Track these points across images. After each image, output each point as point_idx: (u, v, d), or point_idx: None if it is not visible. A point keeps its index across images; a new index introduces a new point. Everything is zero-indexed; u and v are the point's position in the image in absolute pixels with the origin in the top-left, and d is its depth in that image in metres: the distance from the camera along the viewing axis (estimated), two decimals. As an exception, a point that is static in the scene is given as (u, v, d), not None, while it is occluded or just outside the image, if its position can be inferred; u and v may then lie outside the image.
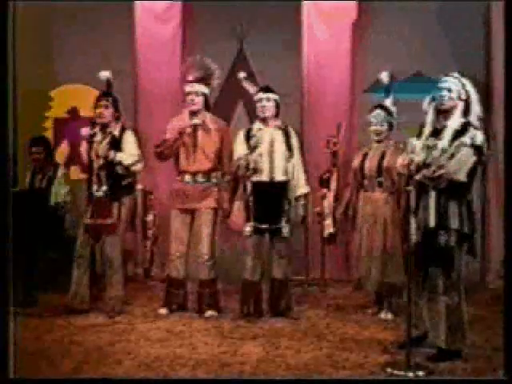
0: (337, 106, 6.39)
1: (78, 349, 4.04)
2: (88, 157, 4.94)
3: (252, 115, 5.26)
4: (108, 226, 4.86)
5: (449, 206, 3.74)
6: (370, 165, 4.92)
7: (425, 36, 6.22)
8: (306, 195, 4.98)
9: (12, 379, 3.21)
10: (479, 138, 3.72)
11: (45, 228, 5.31)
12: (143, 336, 4.34)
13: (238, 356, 3.92)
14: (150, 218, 6.18)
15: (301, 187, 4.89)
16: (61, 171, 5.80)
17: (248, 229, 4.77)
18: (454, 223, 3.73)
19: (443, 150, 3.71)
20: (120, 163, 4.81)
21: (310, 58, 6.45)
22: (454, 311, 3.80)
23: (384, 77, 5.12)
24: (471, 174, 3.74)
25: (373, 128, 4.96)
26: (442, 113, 3.84)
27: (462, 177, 3.69)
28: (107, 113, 4.91)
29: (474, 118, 3.80)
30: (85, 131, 4.94)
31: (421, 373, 3.59)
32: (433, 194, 3.74)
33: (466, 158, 3.70)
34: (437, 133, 3.82)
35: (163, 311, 4.97)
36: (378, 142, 4.97)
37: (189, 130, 4.93)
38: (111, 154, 4.81)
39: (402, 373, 3.59)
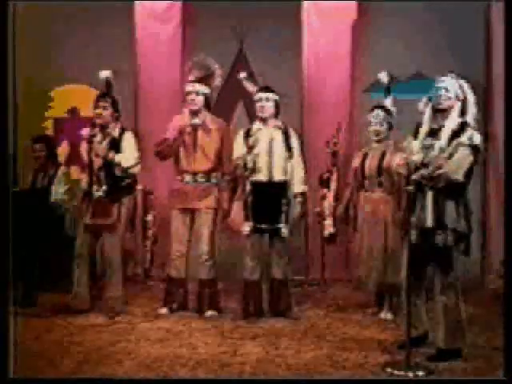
0: (337, 106, 6.39)
1: (77, 349, 4.04)
2: (88, 157, 4.94)
3: (252, 115, 5.26)
4: (108, 226, 4.87)
5: (446, 206, 3.75)
6: (370, 165, 4.92)
7: (425, 36, 6.22)
8: (303, 194, 4.97)
9: (12, 379, 3.21)
10: (477, 138, 3.74)
11: (45, 227, 5.30)
12: (143, 336, 4.34)
13: (237, 356, 3.92)
14: (150, 217, 6.18)
15: (298, 186, 4.89)
16: (62, 170, 5.81)
17: (247, 228, 4.77)
18: (451, 222, 3.74)
19: (441, 150, 3.73)
20: (118, 165, 4.81)
21: (309, 58, 6.45)
22: (451, 311, 3.81)
23: (384, 77, 5.12)
24: (468, 173, 3.75)
25: (373, 128, 4.97)
26: (439, 113, 3.85)
27: (460, 177, 3.70)
28: (106, 113, 4.91)
29: (470, 118, 3.82)
30: (85, 131, 4.94)
31: (421, 373, 3.60)
32: (430, 194, 3.75)
33: (464, 157, 3.71)
34: (434, 133, 3.83)
35: (163, 311, 4.97)
36: (378, 141, 4.97)
37: (189, 129, 4.93)
38: (110, 154, 4.81)
39: (402, 373, 3.60)
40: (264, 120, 4.85)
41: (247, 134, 4.82)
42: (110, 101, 4.94)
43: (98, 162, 4.86)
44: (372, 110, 5.02)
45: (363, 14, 6.38)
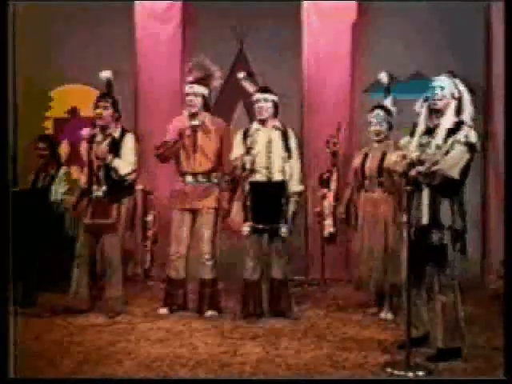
0: (337, 106, 6.40)
1: (77, 349, 4.04)
2: (88, 157, 4.94)
3: (252, 115, 5.25)
4: (108, 226, 4.87)
5: (441, 204, 3.76)
6: (371, 165, 4.93)
7: (425, 36, 6.21)
8: (299, 193, 4.97)
9: (12, 379, 3.21)
10: (473, 136, 3.76)
11: (45, 227, 5.31)
12: (143, 336, 4.34)
13: (237, 356, 3.92)
14: (150, 217, 6.17)
15: (295, 185, 4.88)
16: (63, 170, 5.82)
17: (246, 229, 4.77)
18: (447, 220, 3.75)
19: (437, 147, 3.75)
20: (115, 170, 4.81)
21: (309, 58, 6.45)
22: (450, 310, 3.81)
23: (383, 77, 5.13)
24: (464, 171, 3.76)
25: (373, 128, 4.97)
26: (435, 112, 3.87)
27: (455, 174, 3.71)
28: (107, 114, 4.90)
29: (466, 116, 3.84)
30: (85, 131, 4.94)
31: (421, 373, 3.60)
32: (426, 192, 3.76)
33: (460, 155, 3.74)
34: (430, 131, 3.86)
35: (163, 311, 4.97)
36: (378, 142, 4.97)
37: (188, 131, 4.93)
38: (108, 157, 4.81)
39: (402, 373, 3.59)
40: (262, 120, 4.84)
41: (245, 135, 4.82)
42: (111, 101, 4.94)
43: (97, 162, 4.86)
44: (372, 110, 5.03)
45: (363, 14, 6.38)
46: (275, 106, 4.87)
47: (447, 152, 3.72)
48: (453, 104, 3.84)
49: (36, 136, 5.99)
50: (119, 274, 4.94)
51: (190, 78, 4.97)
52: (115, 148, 4.86)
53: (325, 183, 5.82)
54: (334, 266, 6.27)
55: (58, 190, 5.68)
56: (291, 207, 4.85)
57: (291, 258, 5.07)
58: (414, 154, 3.79)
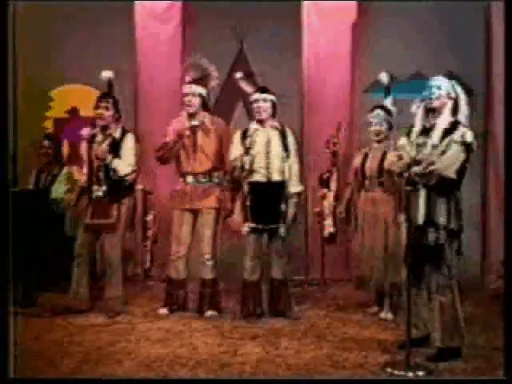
0: (337, 106, 6.39)
1: (77, 349, 4.05)
2: (88, 157, 4.94)
3: (252, 115, 5.25)
4: (108, 226, 4.87)
5: (437, 204, 3.77)
6: (371, 165, 4.93)
7: (425, 36, 6.21)
8: (299, 194, 4.97)
9: (12, 379, 3.21)
10: (469, 135, 3.77)
11: (45, 227, 5.31)
12: (143, 336, 4.34)
13: (237, 356, 3.93)
14: (150, 217, 6.17)
15: (294, 186, 4.88)
16: (65, 170, 5.82)
17: (246, 229, 4.77)
18: (442, 220, 3.76)
19: (433, 147, 3.77)
20: (114, 171, 4.81)
21: (309, 58, 6.45)
22: (448, 309, 3.82)
23: (384, 77, 5.13)
24: (461, 171, 3.77)
25: (373, 128, 4.97)
26: (432, 111, 3.88)
27: (452, 173, 3.73)
28: (107, 114, 4.91)
29: (462, 116, 3.86)
30: (85, 131, 4.94)
31: (421, 373, 3.60)
32: (422, 192, 3.77)
33: (456, 155, 3.75)
34: (426, 131, 3.87)
35: (163, 311, 4.97)
36: (379, 142, 4.98)
37: (187, 132, 4.93)
38: (108, 158, 4.81)
39: (402, 373, 3.60)
40: (261, 121, 4.84)
41: (244, 135, 4.82)
42: (112, 101, 4.94)
43: (97, 163, 4.86)
44: (372, 110, 5.03)
45: (363, 13, 6.37)
46: (274, 106, 4.86)
47: (443, 152, 3.74)
48: (449, 104, 3.86)
49: (37, 136, 6.00)
50: (119, 273, 4.95)
51: (188, 78, 4.97)
52: (115, 148, 4.86)
53: (325, 183, 5.82)
54: (334, 266, 6.27)
55: (59, 190, 5.68)
56: (291, 209, 4.85)
57: (291, 258, 5.08)
58: (410, 154, 3.80)
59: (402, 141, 3.95)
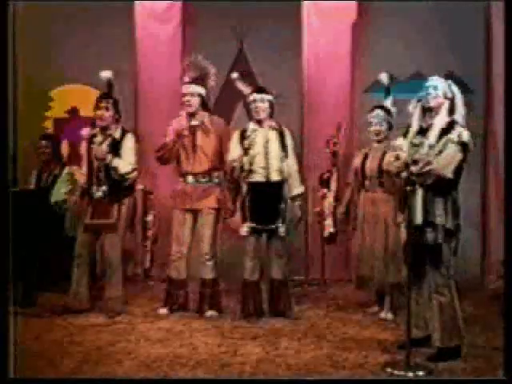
0: (337, 106, 6.39)
1: (77, 349, 4.05)
2: (88, 157, 4.94)
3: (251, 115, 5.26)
4: (108, 226, 4.87)
5: (435, 203, 3.78)
6: (371, 165, 4.92)
7: (425, 36, 6.21)
8: (301, 195, 4.97)
9: (12, 379, 3.21)
10: (465, 135, 3.78)
11: (45, 227, 5.31)
12: (143, 336, 4.34)
13: (238, 356, 3.93)
14: (150, 217, 6.17)
15: (296, 187, 4.89)
16: (66, 170, 5.83)
17: (245, 229, 4.77)
18: (440, 220, 3.76)
19: (430, 147, 3.77)
20: (115, 170, 4.81)
21: (309, 58, 6.44)
22: (447, 309, 3.82)
23: (384, 77, 5.13)
24: (457, 171, 3.78)
25: (373, 128, 4.97)
26: (429, 111, 3.89)
27: (449, 173, 3.73)
28: (107, 115, 4.90)
29: (459, 116, 3.87)
30: (85, 131, 4.94)
31: (421, 373, 3.60)
32: (420, 192, 3.77)
33: (453, 154, 3.76)
34: (423, 131, 3.88)
35: (163, 311, 4.97)
36: (379, 142, 4.97)
37: (187, 132, 4.92)
38: (108, 157, 4.81)
39: (402, 373, 3.60)
40: (259, 121, 4.84)
41: (242, 136, 4.81)
42: (112, 101, 4.94)
43: (97, 163, 4.86)
44: (372, 110, 5.03)
45: (363, 14, 6.37)
46: (271, 106, 4.87)
47: (440, 152, 3.75)
48: (446, 104, 3.87)
49: (37, 136, 6.00)
50: (119, 273, 4.95)
51: (187, 78, 4.97)
52: (115, 148, 4.87)
53: (325, 183, 5.82)
54: (334, 266, 6.27)
55: (60, 190, 5.68)
56: (296, 213, 4.86)
57: (291, 258, 5.08)
58: (406, 154, 3.80)
59: (399, 141, 3.95)
